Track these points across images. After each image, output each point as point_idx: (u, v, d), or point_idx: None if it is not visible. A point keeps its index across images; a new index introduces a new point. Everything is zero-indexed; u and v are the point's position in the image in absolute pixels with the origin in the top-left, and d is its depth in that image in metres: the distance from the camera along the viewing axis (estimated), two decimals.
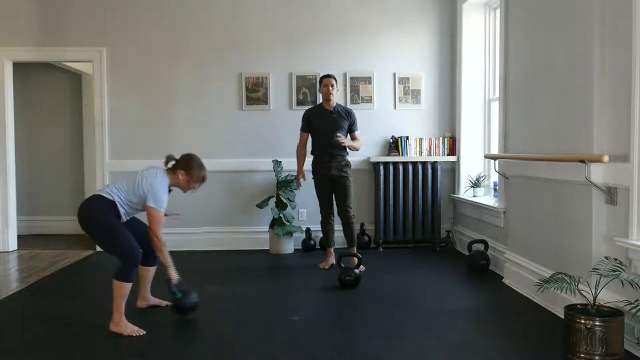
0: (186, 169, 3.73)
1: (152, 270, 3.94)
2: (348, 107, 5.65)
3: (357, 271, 4.52)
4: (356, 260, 4.67)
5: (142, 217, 3.82)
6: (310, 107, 5.52)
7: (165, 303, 3.99)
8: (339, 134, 5.02)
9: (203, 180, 3.81)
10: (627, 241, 3.10)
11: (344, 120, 5.16)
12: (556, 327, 3.39)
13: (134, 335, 3.40)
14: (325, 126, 5.12)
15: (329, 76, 5.20)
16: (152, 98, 6.10)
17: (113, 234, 3.50)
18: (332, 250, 5.26)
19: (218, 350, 3.30)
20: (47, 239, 6.96)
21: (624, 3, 3.14)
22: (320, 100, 6.12)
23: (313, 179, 5.27)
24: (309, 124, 5.23)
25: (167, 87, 6.11)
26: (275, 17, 6.18)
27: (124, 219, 3.63)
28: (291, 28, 6.19)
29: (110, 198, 3.55)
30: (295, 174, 5.98)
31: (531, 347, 3.20)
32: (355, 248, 5.20)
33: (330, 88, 5.12)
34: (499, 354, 3.17)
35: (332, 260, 5.17)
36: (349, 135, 5.23)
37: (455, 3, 6.15)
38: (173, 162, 3.78)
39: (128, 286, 3.48)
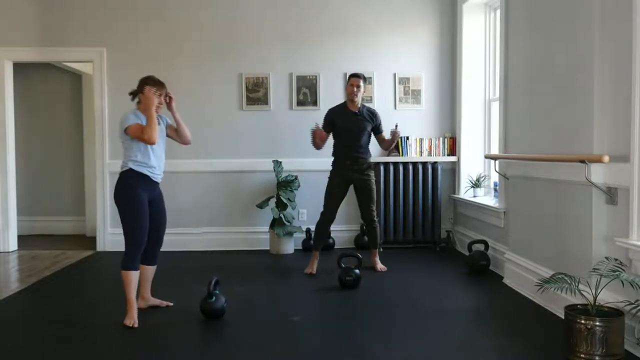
0: (139, 90, 3.73)
1: (152, 269, 3.94)
2: (372, 107, 5.31)
3: (357, 271, 4.52)
4: (378, 261, 4.98)
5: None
6: (332, 106, 5.21)
7: (165, 303, 4.00)
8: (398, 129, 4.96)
9: (150, 84, 3.70)
10: (627, 241, 3.10)
11: (368, 123, 4.98)
12: (556, 327, 3.38)
13: (129, 324, 3.54)
14: (349, 128, 4.95)
15: (356, 75, 4.98)
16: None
17: (130, 214, 3.59)
18: (317, 254, 5.07)
19: (218, 350, 3.31)
20: (47, 239, 6.96)
21: (624, 3, 3.14)
22: (320, 99, 6.15)
23: (329, 177, 5.08)
24: (331, 124, 5.01)
25: (167, 87, 6.09)
26: (275, 17, 6.18)
27: (154, 177, 3.68)
28: (291, 28, 6.19)
29: (127, 168, 3.63)
30: (295, 174, 6.00)
31: (531, 347, 3.20)
32: (377, 250, 5.16)
33: (356, 88, 4.91)
34: (499, 354, 3.18)
35: (317, 264, 5.03)
36: (371, 137, 5.09)
37: (455, 3, 6.15)
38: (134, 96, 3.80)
39: (131, 274, 3.59)
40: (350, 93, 4.96)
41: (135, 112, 3.69)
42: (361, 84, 4.95)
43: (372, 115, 5.05)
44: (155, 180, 3.73)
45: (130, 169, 3.62)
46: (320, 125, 5.02)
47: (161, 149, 3.78)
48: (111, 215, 6.05)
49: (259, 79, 6.19)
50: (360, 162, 4.99)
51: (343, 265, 4.55)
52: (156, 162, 3.71)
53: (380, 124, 5.09)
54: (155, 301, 4.00)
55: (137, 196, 3.60)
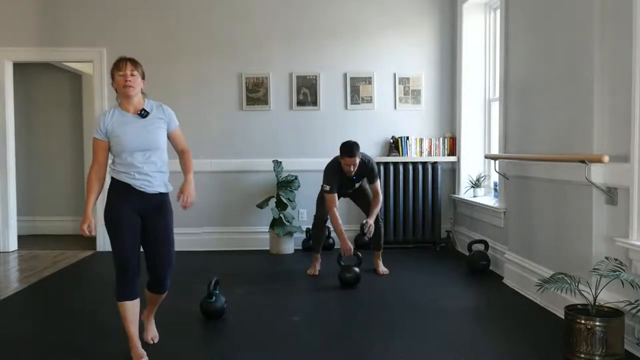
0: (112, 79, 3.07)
1: (154, 295, 3.25)
2: (365, 159, 4.85)
3: (356, 269, 4.52)
4: (381, 264, 4.96)
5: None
6: (332, 166, 4.85)
7: (152, 339, 3.35)
8: (365, 231, 4.73)
9: (117, 66, 3.00)
10: (627, 241, 3.10)
11: (363, 181, 4.94)
12: (556, 327, 3.39)
13: None
14: (345, 187, 4.90)
15: (350, 154, 4.62)
16: (151, 98, 6.08)
17: (109, 234, 2.99)
18: (319, 255, 5.09)
19: (218, 350, 3.31)
20: (47, 239, 6.96)
21: (624, 3, 3.14)
22: (320, 99, 6.16)
23: (322, 187, 4.97)
24: (333, 186, 4.77)
25: (167, 87, 6.11)
26: (275, 17, 6.18)
27: (138, 186, 2.97)
28: (291, 28, 6.19)
29: (112, 176, 3.01)
30: (295, 174, 6.00)
31: (531, 347, 3.20)
32: (381, 252, 5.08)
33: (352, 167, 4.67)
34: (499, 354, 3.18)
35: (319, 265, 5.05)
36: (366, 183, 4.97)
37: (455, 3, 6.15)
38: None
39: (121, 305, 2.98)
40: (348, 172, 4.72)
41: (106, 113, 3.07)
42: (357, 161, 4.67)
43: (366, 170, 4.83)
44: (141, 189, 2.98)
45: (111, 177, 3.01)
46: (326, 188, 4.77)
47: (150, 143, 3.00)
48: None
49: (259, 79, 6.19)
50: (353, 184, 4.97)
51: (343, 264, 4.55)
52: (139, 163, 2.97)
53: (370, 175, 4.86)
54: (152, 333, 3.35)
55: (114, 211, 2.96)
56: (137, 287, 3.04)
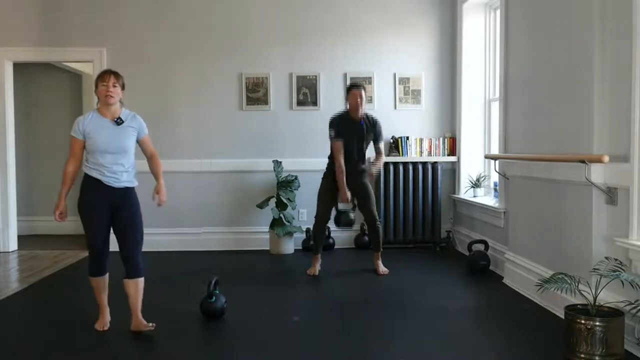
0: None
1: (132, 284, 3.46)
2: (373, 116, 5.05)
3: (351, 215, 5.01)
4: (380, 264, 4.96)
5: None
6: (337, 114, 4.97)
7: (148, 326, 3.48)
8: (374, 171, 4.92)
9: (101, 77, 3.42)
10: (627, 241, 3.10)
11: (370, 134, 4.94)
12: (556, 327, 3.39)
13: (98, 329, 3.52)
14: (352, 137, 4.85)
15: (356, 86, 4.83)
16: (151, 98, 6.09)
17: (81, 219, 3.49)
18: (319, 256, 5.07)
19: (218, 350, 3.31)
20: (47, 239, 6.96)
21: (624, 3, 3.15)
22: (320, 99, 6.15)
23: (322, 179, 5.03)
24: (341, 132, 4.82)
25: (167, 87, 6.11)
26: (275, 17, 6.18)
27: (107, 181, 3.40)
28: (291, 28, 6.19)
29: (85, 171, 3.46)
30: (295, 174, 6.00)
31: (531, 347, 3.20)
32: (380, 253, 5.05)
33: (359, 99, 4.75)
34: (499, 354, 3.18)
35: (319, 265, 5.03)
36: (370, 146, 5.02)
37: (455, 3, 6.15)
38: None
39: (93, 279, 3.54)
40: (355, 105, 4.78)
41: (85, 116, 3.47)
42: (363, 94, 4.80)
43: (373, 126, 4.94)
44: (109, 184, 3.40)
45: (84, 173, 3.47)
46: (331, 134, 4.85)
47: (121, 148, 3.41)
48: None
49: (259, 79, 6.19)
50: (357, 169, 4.92)
51: (340, 209, 5.00)
52: (108, 163, 3.39)
53: (379, 134, 4.99)
54: (147, 326, 3.46)
55: (86, 201, 3.44)
56: (106, 266, 3.55)
